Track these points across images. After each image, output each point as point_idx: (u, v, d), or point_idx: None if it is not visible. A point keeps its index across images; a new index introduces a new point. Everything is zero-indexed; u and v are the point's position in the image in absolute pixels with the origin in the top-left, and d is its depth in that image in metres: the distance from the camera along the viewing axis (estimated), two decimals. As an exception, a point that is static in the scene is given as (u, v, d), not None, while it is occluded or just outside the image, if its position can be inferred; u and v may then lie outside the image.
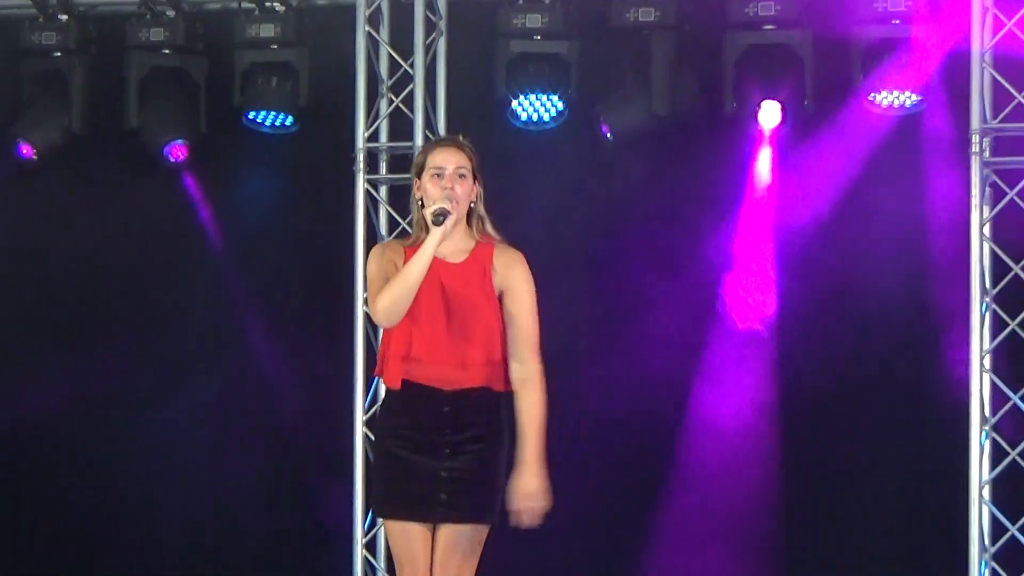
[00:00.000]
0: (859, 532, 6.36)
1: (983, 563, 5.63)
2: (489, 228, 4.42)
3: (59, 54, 6.63)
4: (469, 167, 4.34)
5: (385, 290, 4.26)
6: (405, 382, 4.32)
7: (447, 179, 4.24)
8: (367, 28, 6.44)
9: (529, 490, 4.32)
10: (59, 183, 6.99)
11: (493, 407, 4.36)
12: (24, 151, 6.69)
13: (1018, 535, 5.58)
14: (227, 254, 7.03)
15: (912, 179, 6.25)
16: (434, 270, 4.35)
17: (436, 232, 4.27)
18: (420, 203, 4.31)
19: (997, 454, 5.70)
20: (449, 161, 4.28)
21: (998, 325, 5.78)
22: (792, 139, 6.37)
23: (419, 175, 4.30)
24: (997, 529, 5.66)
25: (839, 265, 6.44)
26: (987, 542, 5.63)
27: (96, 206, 7.03)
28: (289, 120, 6.69)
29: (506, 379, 4.39)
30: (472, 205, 4.38)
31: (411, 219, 4.45)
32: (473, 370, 4.30)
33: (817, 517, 6.46)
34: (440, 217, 4.38)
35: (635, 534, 6.66)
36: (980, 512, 5.63)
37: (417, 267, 4.27)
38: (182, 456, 6.99)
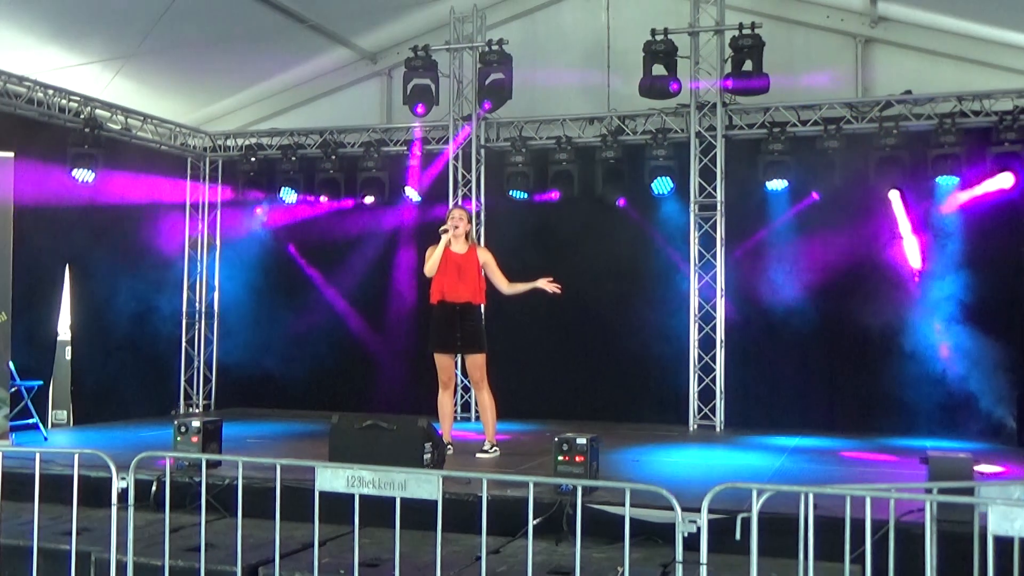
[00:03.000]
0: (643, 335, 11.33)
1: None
2: (473, 240, 7.68)
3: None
4: (465, 217, 7.69)
5: (427, 261, 7.55)
6: (439, 300, 7.58)
7: (451, 221, 7.62)
8: (452, 161, 11.55)
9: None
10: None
11: (477, 312, 7.65)
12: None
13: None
14: (380, 248, 11.94)
15: (669, 223, 11.43)
16: (452, 256, 7.44)
17: (443, 238, 7.42)
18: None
19: (701, 330, 11.24)
20: (452, 217, 7.70)
21: (699, 278, 11.27)
22: (631, 209, 11.40)
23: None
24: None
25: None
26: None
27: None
28: (419, 199, 11.69)
29: (483, 297, 7.47)
30: (467, 232, 7.63)
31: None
32: (464, 295, 7.54)
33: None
34: (440, 232, 7.63)
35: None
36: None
37: (437, 252, 7.49)
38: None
